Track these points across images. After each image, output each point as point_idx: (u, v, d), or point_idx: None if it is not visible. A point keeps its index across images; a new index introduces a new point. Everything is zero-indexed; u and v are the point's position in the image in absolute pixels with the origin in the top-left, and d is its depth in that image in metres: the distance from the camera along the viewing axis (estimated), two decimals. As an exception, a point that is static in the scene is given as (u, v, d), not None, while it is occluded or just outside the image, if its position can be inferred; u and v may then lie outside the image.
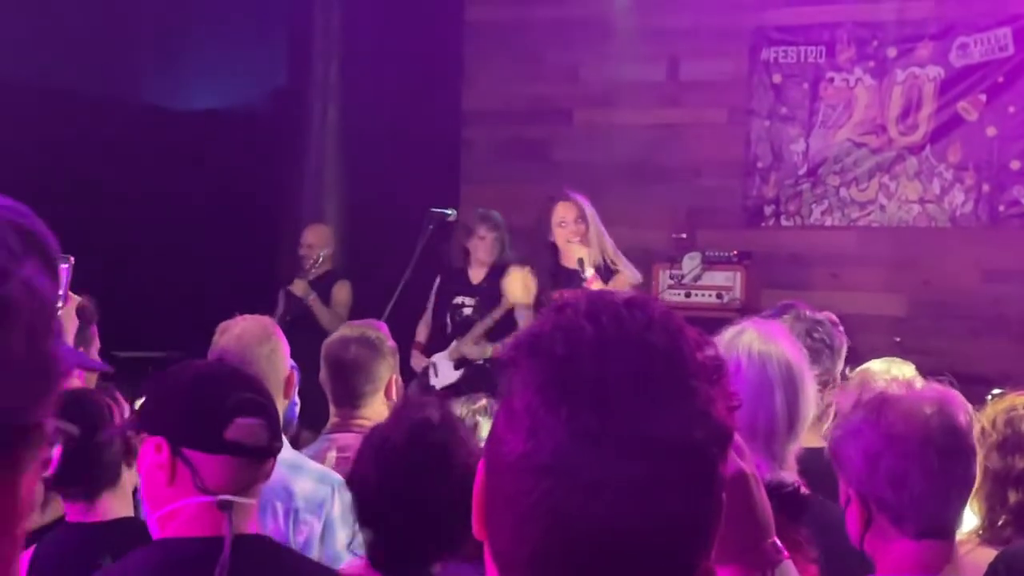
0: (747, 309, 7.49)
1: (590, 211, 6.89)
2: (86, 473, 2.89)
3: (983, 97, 8.33)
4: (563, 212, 6.90)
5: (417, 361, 7.57)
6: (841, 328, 3.95)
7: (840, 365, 3.88)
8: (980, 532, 3.18)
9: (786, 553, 1.49)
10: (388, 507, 2.42)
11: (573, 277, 6.78)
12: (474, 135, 9.58)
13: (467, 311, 7.48)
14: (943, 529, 2.37)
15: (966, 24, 8.37)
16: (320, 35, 8.23)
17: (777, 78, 8.82)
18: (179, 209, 8.00)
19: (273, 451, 2.42)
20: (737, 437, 1.44)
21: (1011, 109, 8.26)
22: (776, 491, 1.76)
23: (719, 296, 8.12)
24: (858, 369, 4.16)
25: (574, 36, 9.14)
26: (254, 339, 3.59)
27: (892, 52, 8.54)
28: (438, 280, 7.63)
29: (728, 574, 1.48)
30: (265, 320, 3.71)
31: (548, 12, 9.21)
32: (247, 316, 3.71)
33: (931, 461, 2.33)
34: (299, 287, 7.88)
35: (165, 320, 7.42)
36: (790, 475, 2.83)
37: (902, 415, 2.37)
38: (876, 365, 4.14)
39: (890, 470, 2.35)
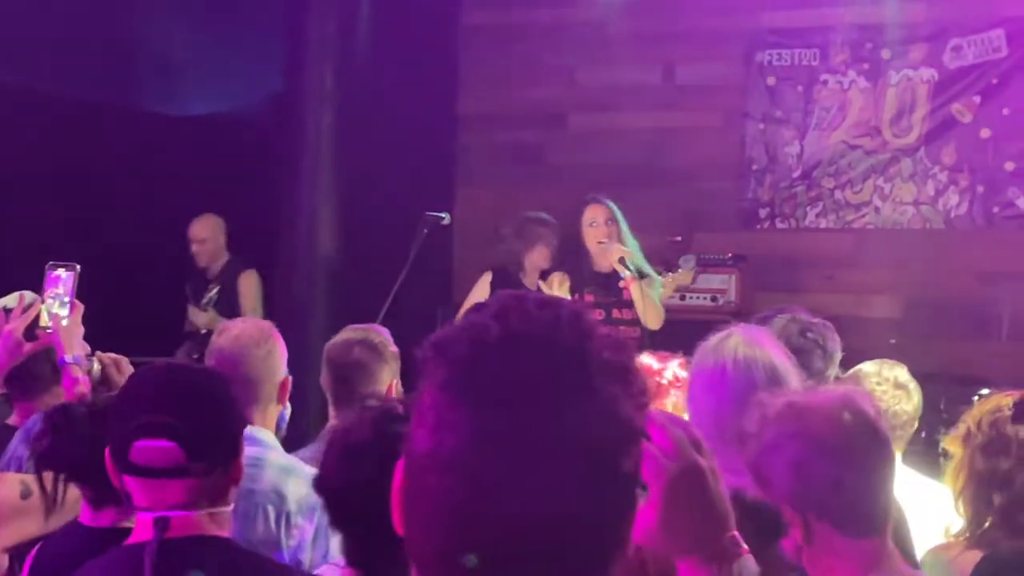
0: (741, 312, 7.50)
1: (620, 215, 6.86)
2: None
3: (977, 99, 8.35)
4: (593, 213, 6.84)
5: None
6: (836, 335, 3.96)
7: (833, 369, 3.88)
8: (967, 535, 3.17)
9: (745, 548, 1.49)
10: (358, 504, 2.42)
11: (608, 280, 6.78)
12: (470, 139, 9.59)
13: None
14: (880, 526, 2.36)
15: (959, 26, 8.39)
16: (316, 40, 8.23)
17: (772, 81, 8.84)
18: (174, 214, 8.00)
19: (188, 471, 2.44)
20: (696, 432, 1.46)
21: (1005, 111, 8.28)
22: (756, 513, 1.77)
23: (714, 299, 8.14)
24: (850, 372, 4.16)
25: (570, 40, 9.15)
26: (251, 341, 3.59)
27: (886, 54, 8.55)
28: (488, 284, 7.45)
29: (686, 567, 1.49)
30: (264, 323, 3.72)
31: (544, 16, 9.23)
32: (247, 318, 3.72)
33: (861, 460, 2.33)
34: (201, 319, 7.67)
35: (161, 325, 7.43)
36: None
37: (821, 420, 2.35)
38: (867, 367, 4.15)
39: (824, 476, 2.33)
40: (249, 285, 7.83)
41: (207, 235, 7.88)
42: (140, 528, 2.47)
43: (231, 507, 2.58)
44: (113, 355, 3.71)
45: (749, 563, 1.49)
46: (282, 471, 3.44)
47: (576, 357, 1.15)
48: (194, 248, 7.88)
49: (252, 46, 8.59)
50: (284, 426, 3.82)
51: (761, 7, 8.81)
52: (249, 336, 3.62)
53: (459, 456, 1.12)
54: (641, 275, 6.63)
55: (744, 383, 2.83)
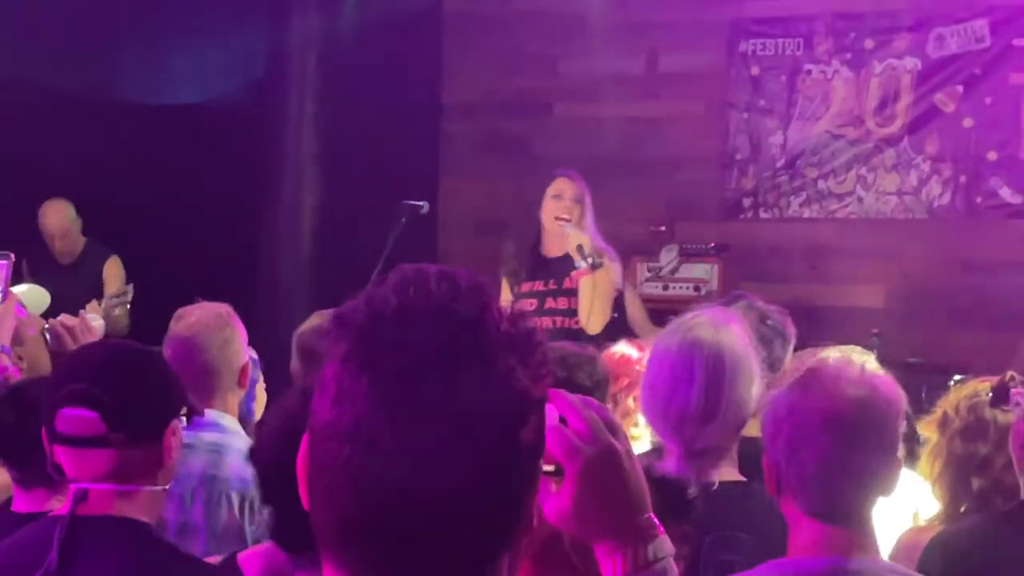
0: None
1: (588, 199, 6.47)
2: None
3: (960, 88, 8.35)
4: (561, 186, 6.42)
5: None
6: (789, 320, 3.95)
7: (789, 353, 3.87)
8: (943, 519, 3.19)
9: (661, 528, 1.49)
10: (285, 480, 2.41)
11: (552, 265, 6.37)
12: (453, 128, 9.57)
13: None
14: (840, 514, 2.33)
15: (943, 16, 8.39)
16: (298, 28, 8.21)
17: (755, 70, 8.83)
18: (157, 202, 7.98)
19: (107, 441, 2.48)
20: (610, 413, 1.46)
21: (988, 100, 8.28)
22: (663, 487, 1.76)
23: (696, 288, 8.14)
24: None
25: (553, 30, 9.13)
26: (208, 326, 3.57)
27: (869, 44, 8.55)
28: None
29: (602, 549, 1.48)
30: (222, 308, 3.68)
31: (527, 5, 9.21)
32: (204, 304, 3.70)
33: (825, 442, 2.30)
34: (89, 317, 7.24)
35: (143, 313, 7.39)
36: (728, 465, 2.83)
37: (818, 388, 2.34)
38: (832, 353, 4.12)
39: (787, 441, 2.34)
40: (115, 274, 7.40)
41: (66, 228, 7.36)
42: (63, 506, 2.51)
43: (158, 488, 2.58)
44: (69, 321, 3.70)
45: (664, 543, 1.49)
46: (245, 457, 3.42)
47: (473, 329, 1.16)
48: (56, 245, 7.35)
49: (234, 34, 8.55)
50: (252, 417, 3.81)
51: (744, -4, 8.82)
52: (208, 322, 3.60)
53: (358, 425, 1.13)
54: (595, 266, 6.11)
55: (683, 365, 2.82)
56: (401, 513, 1.13)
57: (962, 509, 3.16)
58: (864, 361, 3.85)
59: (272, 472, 2.45)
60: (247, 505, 3.35)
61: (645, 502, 1.49)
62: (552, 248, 6.42)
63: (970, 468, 3.16)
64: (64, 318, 3.71)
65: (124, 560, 2.46)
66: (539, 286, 6.38)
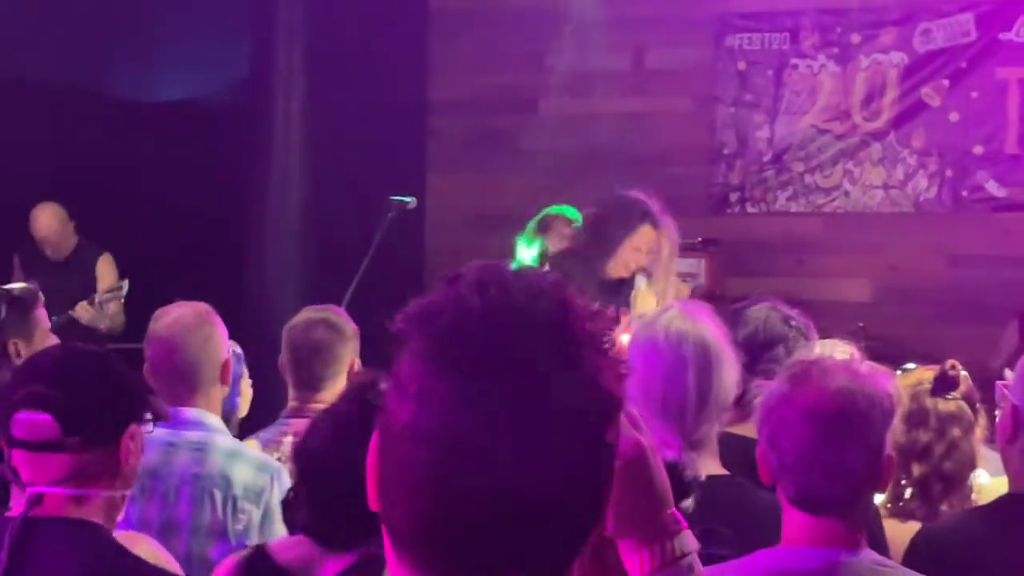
0: (712, 296, 7.51)
1: (671, 247, 6.01)
2: None
3: (946, 83, 8.37)
4: (644, 241, 5.95)
5: None
6: (812, 327, 3.97)
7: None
8: (887, 505, 3.22)
9: (684, 523, 1.49)
10: (337, 480, 2.42)
11: (618, 288, 5.93)
12: (440, 125, 9.57)
13: None
14: (819, 505, 2.35)
15: (929, 10, 8.41)
16: (283, 24, 8.20)
17: (742, 65, 8.84)
18: (142, 200, 7.96)
19: (62, 445, 2.47)
20: (634, 410, 1.45)
21: (974, 94, 8.30)
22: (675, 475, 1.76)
23: (683, 282, 8.13)
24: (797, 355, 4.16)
25: (539, 25, 9.13)
26: (188, 326, 3.57)
27: (856, 38, 8.57)
28: None
29: (627, 546, 1.47)
30: (201, 306, 3.67)
31: (513, 1, 9.21)
32: (183, 303, 3.70)
33: (803, 432, 2.33)
34: (85, 314, 7.04)
35: (128, 310, 7.39)
36: (710, 459, 2.85)
37: (806, 380, 2.37)
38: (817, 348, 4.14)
39: (771, 430, 2.38)
40: (108, 271, 7.39)
41: (57, 232, 7.36)
42: (20, 504, 2.50)
43: (115, 494, 2.57)
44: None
45: (689, 539, 1.49)
46: (228, 455, 3.43)
47: (558, 327, 1.15)
48: (48, 248, 7.36)
49: (220, 30, 8.54)
50: (236, 412, 3.81)
51: (731, -9, 8.83)
52: (187, 321, 3.60)
53: (444, 427, 1.12)
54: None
55: (672, 359, 2.83)
56: (487, 514, 1.12)
57: (906, 496, 3.20)
58: (842, 350, 3.87)
59: (319, 470, 2.47)
60: (230, 503, 3.35)
61: (669, 498, 1.49)
62: (614, 272, 6.00)
63: (911, 455, 3.21)
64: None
65: (75, 562, 2.45)
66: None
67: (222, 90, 8.76)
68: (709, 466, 2.85)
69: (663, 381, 2.83)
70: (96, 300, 7.07)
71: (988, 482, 3.67)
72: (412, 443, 1.13)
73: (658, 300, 5.89)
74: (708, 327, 2.90)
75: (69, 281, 7.22)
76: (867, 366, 2.46)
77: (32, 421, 2.46)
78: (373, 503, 1.20)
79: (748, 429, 3.05)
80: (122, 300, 7.18)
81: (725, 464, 2.92)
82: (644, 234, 5.95)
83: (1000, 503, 2.88)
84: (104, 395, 2.56)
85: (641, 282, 5.91)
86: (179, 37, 8.46)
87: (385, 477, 1.18)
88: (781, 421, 2.36)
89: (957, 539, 2.85)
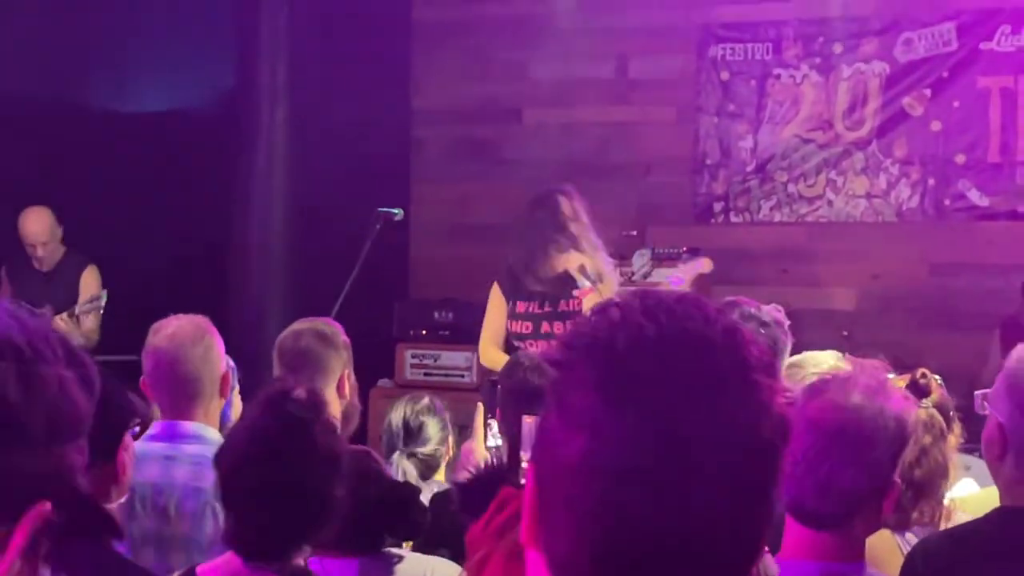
0: (697, 305, 7.52)
1: (585, 215, 6.20)
2: None
3: (928, 92, 8.41)
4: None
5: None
6: (786, 326, 3.95)
7: (783, 364, 3.88)
8: None
9: (765, 548, 1.49)
10: (253, 488, 2.41)
11: (556, 283, 6.12)
12: (424, 135, 9.57)
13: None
14: (812, 518, 2.36)
15: (910, 20, 8.44)
16: (267, 36, 8.19)
17: (725, 75, 8.87)
18: (126, 212, 7.94)
19: None
20: None
21: (955, 104, 8.34)
22: None
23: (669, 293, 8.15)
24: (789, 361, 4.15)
25: (522, 35, 9.14)
26: (187, 338, 3.57)
27: (838, 48, 8.60)
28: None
29: None
30: (199, 319, 3.67)
31: (495, 11, 9.22)
32: (181, 316, 3.68)
33: (804, 443, 2.32)
34: (62, 326, 6.82)
35: (111, 324, 7.36)
36: None
37: (821, 393, 2.37)
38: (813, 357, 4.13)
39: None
40: (93, 283, 7.32)
41: (47, 236, 7.27)
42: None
43: (113, 505, 2.57)
44: None
45: (770, 562, 1.48)
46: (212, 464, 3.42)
47: (732, 353, 1.13)
48: (38, 252, 7.25)
49: (204, 41, 8.53)
50: (229, 423, 3.80)
51: (713, 2, 8.84)
52: (185, 334, 3.59)
53: (621, 459, 1.09)
54: (596, 283, 5.95)
55: None
56: (663, 548, 1.09)
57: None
58: (831, 359, 3.87)
59: (235, 478, 2.45)
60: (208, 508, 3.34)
61: None
62: (555, 265, 6.16)
63: None
64: None
65: (77, 574, 2.44)
66: (535, 307, 6.18)
67: (206, 101, 8.75)
68: None
69: None
70: (75, 311, 7.04)
71: (977, 493, 3.68)
72: (586, 476, 1.10)
73: (598, 263, 6.05)
74: None
75: (53, 292, 7.20)
76: (893, 388, 2.45)
77: None
78: (527, 539, 1.17)
79: None
80: (100, 311, 7.15)
81: None
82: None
83: (993, 516, 2.88)
84: (97, 414, 2.55)
85: (582, 259, 6.07)
86: (162, 47, 8.45)
87: (550, 511, 1.14)
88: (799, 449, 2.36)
89: (952, 552, 2.85)
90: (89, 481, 2.45)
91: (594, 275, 5.99)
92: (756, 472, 1.12)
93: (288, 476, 2.45)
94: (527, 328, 6.18)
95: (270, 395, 2.55)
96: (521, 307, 6.19)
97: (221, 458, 2.55)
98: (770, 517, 1.15)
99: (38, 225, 7.29)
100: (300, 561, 2.50)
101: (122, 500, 2.61)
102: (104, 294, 7.00)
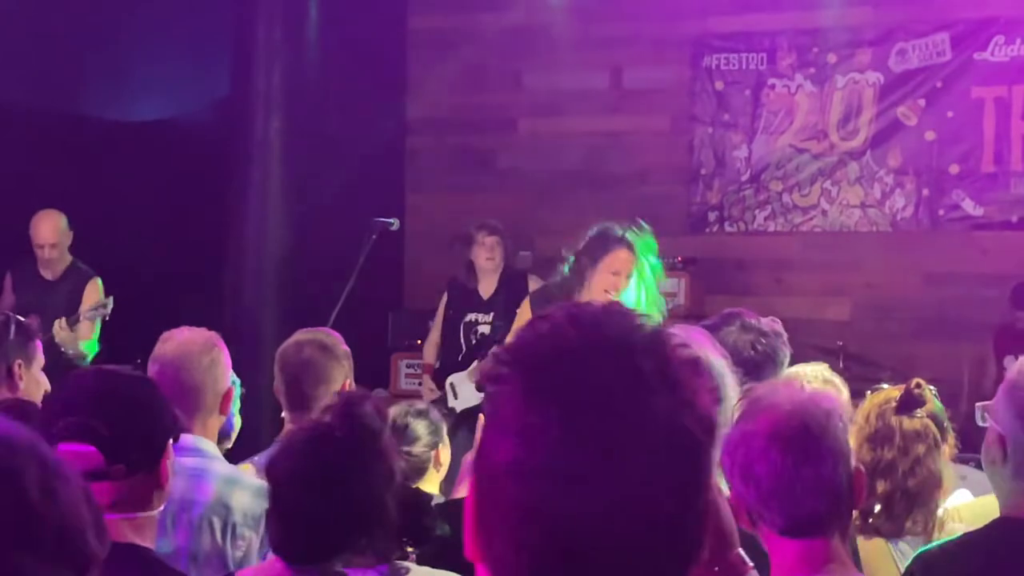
0: (691, 315, 7.53)
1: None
2: None
3: (922, 102, 8.42)
4: (622, 265, 5.75)
5: (428, 385, 7.37)
6: (784, 338, 3.96)
7: (782, 374, 3.89)
8: (856, 522, 3.23)
9: (750, 565, 1.49)
10: (315, 493, 2.42)
11: None
12: (419, 144, 9.58)
13: (483, 328, 7.25)
14: (805, 527, 2.37)
15: (905, 30, 8.46)
16: (263, 45, 8.20)
17: (719, 85, 8.88)
18: (121, 220, 7.94)
19: (106, 474, 2.47)
20: None
21: (949, 114, 8.36)
22: None
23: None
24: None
25: (517, 45, 9.16)
26: (196, 349, 3.57)
27: (832, 58, 8.62)
28: (445, 297, 7.46)
29: None
30: (210, 333, 3.69)
31: (491, 21, 9.23)
32: (189, 327, 3.69)
33: (772, 458, 2.34)
34: (60, 332, 6.94)
35: (106, 331, 7.36)
36: (717, 481, 2.86)
37: (761, 410, 2.39)
38: (797, 369, 4.14)
39: (741, 467, 2.39)
40: (94, 295, 7.28)
41: (57, 238, 7.27)
42: None
43: (155, 512, 2.59)
44: None
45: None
46: (226, 482, 3.42)
47: (654, 354, 1.16)
48: (45, 254, 7.28)
49: (200, 50, 8.54)
50: (232, 434, 3.80)
51: (708, 12, 8.86)
52: (194, 344, 3.60)
53: (549, 462, 1.12)
54: None
55: None
56: (604, 544, 1.12)
57: (874, 511, 3.22)
58: (820, 370, 3.89)
59: (296, 483, 2.47)
60: (230, 529, 3.34)
61: (735, 537, 1.49)
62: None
63: (876, 473, 3.23)
64: None
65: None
66: None
67: (201, 110, 8.75)
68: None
69: None
70: (80, 316, 7.06)
71: (971, 502, 3.68)
72: (517, 480, 1.13)
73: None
74: (710, 351, 2.91)
75: (56, 300, 7.22)
76: (808, 387, 2.51)
77: (75, 453, 2.43)
78: (470, 546, 1.19)
79: None
80: (106, 318, 7.18)
81: None
82: (620, 257, 5.76)
83: (993, 527, 2.88)
84: (144, 420, 2.56)
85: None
86: (158, 57, 8.45)
87: (486, 517, 1.17)
88: (749, 454, 2.37)
89: (952, 564, 2.85)
90: (131, 489, 2.46)
91: None
92: (683, 469, 1.15)
93: (355, 483, 2.46)
94: None
95: (344, 403, 2.57)
96: None
97: (278, 463, 2.56)
98: (704, 514, 1.18)
99: (48, 227, 7.31)
100: (339, 567, 2.51)
101: (161, 507, 2.62)
102: (110, 301, 7.03)
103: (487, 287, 7.48)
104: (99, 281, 7.37)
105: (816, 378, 3.88)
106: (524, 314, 6.23)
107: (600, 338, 1.16)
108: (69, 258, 7.44)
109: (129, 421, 2.52)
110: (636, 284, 5.77)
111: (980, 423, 3.13)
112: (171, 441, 2.62)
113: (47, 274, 7.38)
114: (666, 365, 1.16)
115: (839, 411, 2.43)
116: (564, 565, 1.13)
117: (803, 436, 2.36)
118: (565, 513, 1.12)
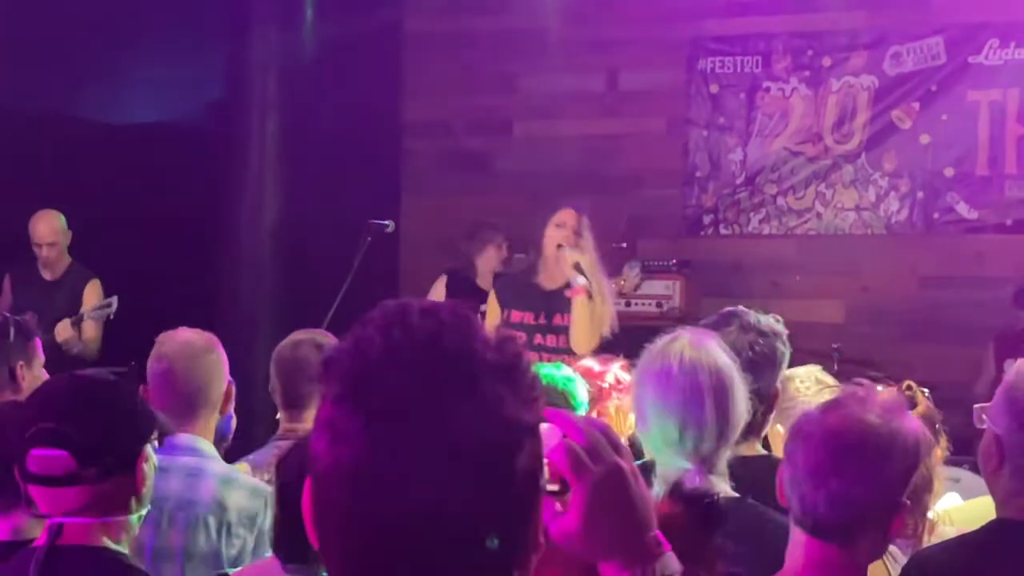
0: (686, 318, 7.54)
1: (590, 239, 6.18)
2: None
3: (916, 105, 8.44)
4: (565, 216, 6.16)
5: None
6: (784, 337, 3.96)
7: (780, 376, 3.89)
8: None
9: (667, 546, 1.50)
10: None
11: (550, 298, 6.08)
12: (415, 146, 9.59)
13: None
14: (820, 528, 2.38)
15: (899, 33, 8.48)
16: (258, 48, 8.20)
17: (714, 88, 8.89)
18: (117, 223, 7.94)
19: (78, 478, 2.48)
20: (614, 433, 1.47)
21: (944, 117, 8.38)
22: (696, 501, 1.78)
23: (659, 305, 8.17)
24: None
25: (513, 48, 9.17)
26: (196, 350, 3.60)
27: (827, 62, 8.63)
28: (443, 288, 7.46)
29: (609, 569, 1.48)
30: (206, 333, 3.72)
31: (487, 24, 9.24)
32: (188, 328, 3.71)
33: (818, 454, 2.37)
34: (64, 332, 7.01)
35: (103, 332, 7.36)
36: (721, 482, 2.87)
37: (841, 407, 2.42)
38: (794, 371, 4.14)
39: (791, 444, 2.43)
40: (94, 296, 7.35)
41: (55, 237, 7.33)
42: (41, 536, 2.51)
43: (132, 516, 2.59)
44: None
45: (671, 561, 1.50)
46: (222, 481, 3.43)
47: (459, 361, 1.19)
48: (44, 253, 7.30)
49: (195, 53, 8.54)
50: (230, 435, 3.81)
51: (703, 14, 8.87)
52: (195, 345, 3.63)
53: (357, 467, 1.16)
54: (590, 294, 5.93)
55: (690, 385, 2.86)
56: (406, 548, 1.16)
57: None
58: (817, 373, 3.89)
59: (291, 486, 2.49)
60: (225, 528, 3.35)
61: (651, 520, 1.49)
62: (549, 280, 6.15)
63: None
64: None
65: None
66: (529, 318, 6.14)
67: (197, 112, 8.75)
68: (724, 489, 2.87)
69: (681, 409, 2.84)
70: (84, 316, 7.08)
71: (962, 505, 3.69)
72: (332, 484, 1.18)
73: (591, 275, 6.00)
74: (718, 354, 2.92)
75: (56, 301, 7.26)
76: (903, 408, 2.50)
77: (48, 458, 2.46)
78: (314, 543, 1.24)
79: (746, 449, 3.14)
80: (111, 317, 7.20)
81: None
82: (562, 213, 6.18)
83: (990, 528, 2.88)
84: (117, 424, 2.56)
85: (566, 251, 6.04)
86: (153, 59, 8.45)
87: (316, 517, 1.22)
88: (803, 439, 2.41)
89: (948, 566, 2.86)
90: (105, 492, 2.47)
91: (589, 277, 5.98)
92: (488, 476, 1.17)
93: None
94: (522, 339, 6.14)
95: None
96: (516, 317, 6.19)
97: (290, 460, 2.58)
98: (515, 513, 1.21)
99: (47, 226, 7.35)
100: None
101: (143, 512, 2.62)
102: (114, 300, 7.04)
103: (485, 284, 7.47)
104: (98, 282, 7.40)
105: (808, 379, 3.90)
106: (492, 304, 6.31)
107: (404, 345, 1.19)
108: (68, 259, 7.47)
109: (102, 425, 2.52)
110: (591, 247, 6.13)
111: (978, 425, 3.13)
112: (149, 444, 2.62)
113: (47, 275, 7.41)
114: (469, 372, 1.18)
115: (912, 440, 2.41)
116: (376, 567, 1.17)
117: (854, 449, 2.37)
118: (372, 519, 1.16)
